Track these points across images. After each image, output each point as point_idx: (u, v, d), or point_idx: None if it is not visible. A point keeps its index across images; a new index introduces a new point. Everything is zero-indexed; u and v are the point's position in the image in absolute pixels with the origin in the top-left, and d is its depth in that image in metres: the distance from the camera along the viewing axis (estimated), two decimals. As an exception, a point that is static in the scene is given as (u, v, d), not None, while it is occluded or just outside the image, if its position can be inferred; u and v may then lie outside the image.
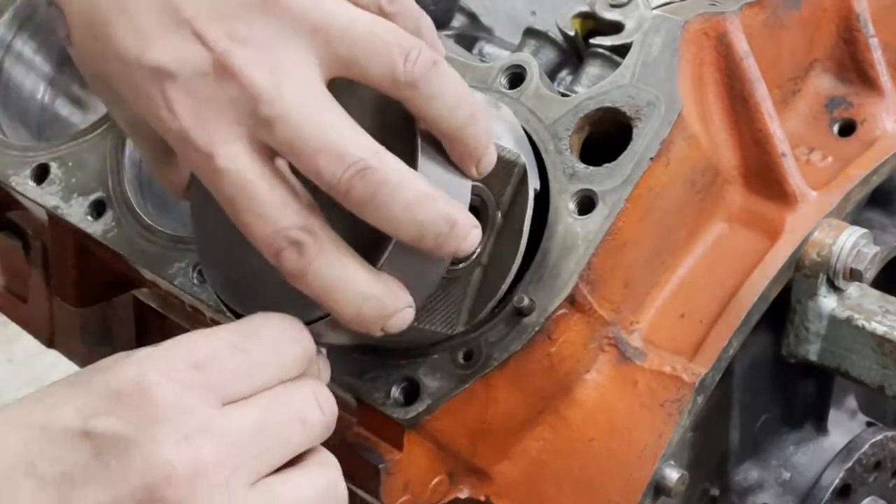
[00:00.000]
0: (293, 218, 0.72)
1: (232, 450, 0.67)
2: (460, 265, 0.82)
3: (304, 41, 0.73)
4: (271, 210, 0.72)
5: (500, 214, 0.82)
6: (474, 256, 0.82)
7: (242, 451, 0.68)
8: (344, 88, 0.74)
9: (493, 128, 0.79)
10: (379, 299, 0.74)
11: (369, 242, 0.74)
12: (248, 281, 0.79)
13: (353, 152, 0.71)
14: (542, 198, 0.85)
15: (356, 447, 0.86)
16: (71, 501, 0.65)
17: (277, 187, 0.73)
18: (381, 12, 0.76)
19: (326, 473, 0.72)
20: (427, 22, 0.80)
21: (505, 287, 0.83)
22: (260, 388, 0.70)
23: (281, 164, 0.74)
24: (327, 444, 0.82)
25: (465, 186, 0.78)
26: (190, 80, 0.72)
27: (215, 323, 0.96)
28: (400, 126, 0.75)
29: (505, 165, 0.81)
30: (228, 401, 0.69)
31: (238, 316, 0.78)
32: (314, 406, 0.72)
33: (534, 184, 0.83)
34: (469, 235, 0.75)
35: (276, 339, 0.72)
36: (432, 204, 0.73)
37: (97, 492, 0.65)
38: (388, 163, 0.72)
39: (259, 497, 0.68)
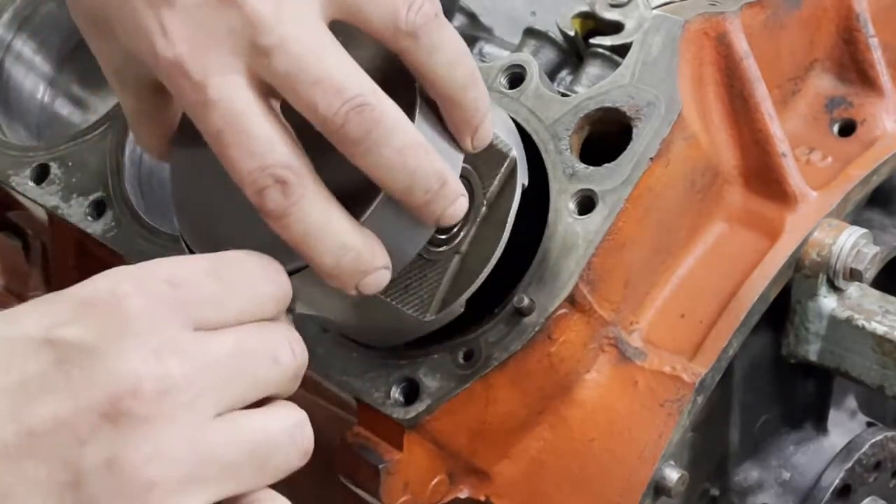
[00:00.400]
0: (281, 155, 0.70)
1: (201, 373, 0.63)
2: (440, 248, 0.80)
3: None
4: (259, 145, 0.70)
5: (485, 204, 0.81)
6: (455, 242, 0.81)
7: (212, 377, 0.64)
8: (342, 42, 0.73)
9: None
10: (358, 252, 0.72)
11: (353, 197, 0.73)
12: (225, 238, 0.76)
13: (352, 88, 0.70)
14: (542, 198, 0.85)
15: (356, 447, 0.86)
16: (27, 411, 0.61)
17: (267, 123, 0.71)
18: None
19: (293, 413, 0.68)
20: None
21: (480, 280, 0.81)
22: (233, 320, 0.67)
23: (273, 105, 0.73)
24: (327, 443, 0.82)
25: (458, 159, 0.77)
26: (189, 6, 0.71)
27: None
28: (398, 88, 0.74)
29: (495, 155, 0.80)
30: (200, 326, 0.65)
31: None
32: (287, 347, 0.68)
33: (522, 179, 0.82)
34: (457, 201, 0.74)
35: (254, 274, 0.69)
36: (426, 155, 0.72)
37: (56, 402, 0.61)
38: (385, 104, 0.71)
39: (224, 426, 0.64)
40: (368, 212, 0.73)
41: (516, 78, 0.90)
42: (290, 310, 0.73)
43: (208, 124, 0.71)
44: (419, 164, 0.72)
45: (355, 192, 0.73)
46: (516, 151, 0.81)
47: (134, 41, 0.74)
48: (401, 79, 0.74)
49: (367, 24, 0.72)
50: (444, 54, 0.73)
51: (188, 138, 0.79)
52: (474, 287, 0.81)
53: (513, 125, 0.84)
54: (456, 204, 0.74)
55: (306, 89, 0.70)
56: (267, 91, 0.72)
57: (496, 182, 0.81)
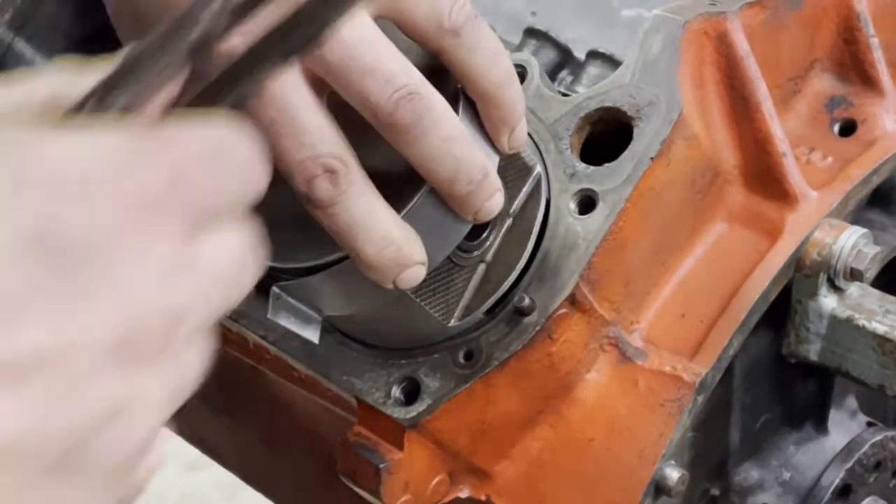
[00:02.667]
0: (331, 146, 0.72)
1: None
2: (468, 254, 0.82)
3: None
4: (311, 135, 0.72)
5: (510, 216, 0.83)
6: (482, 250, 0.82)
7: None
8: None
9: None
10: (399, 246, 0.74)
11: (393, 191, 0.74)
12: (265, 232, 0.77)
13: (402, 77, 0.72)
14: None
15: (356, 447, 0.86)
16: None
17: (320, 115, 0.73)
18: None
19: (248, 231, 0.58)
20: None
21: (504, 289, 0.83)
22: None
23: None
24: (327, 443, 0.82)
25: (494, 161, 0.78)
26: None
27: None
28: (437, 87, 0.75)
29: (521, 168, 0.82)
30: None
31: None
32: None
33: (546, 194, 0.84)
34: (495, 195, 0.76)
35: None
36: (470, 146, 0.74)
37: None
38: (434, 94, 0.73)
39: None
40: (410, 205, 0.75)
41: (517, 78, 0.90)
42: (319, 312, 0.76)
43: (261, 115, 0.72)
44: (464, 153, 0.74)
45: (395, 186, 0.74)
46: (539, 166, 0.83)
47: None
48: (437, 79, 0.75)
49: (411, 21, 0.74)
50: (484, 52, 0.75)
51: None
52: (496, 297, 0.83)
53: (530, 140, 0.85)
54: (494, 198, 0.76)
55: (358, 78, 0.72)
56: (318, 86, 0.73)
57: (522, 194, 0.83)
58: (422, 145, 0.73)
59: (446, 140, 0.73)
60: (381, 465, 0.85)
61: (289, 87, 0.72)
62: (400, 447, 0.85)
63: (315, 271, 0.77)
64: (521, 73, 0.90)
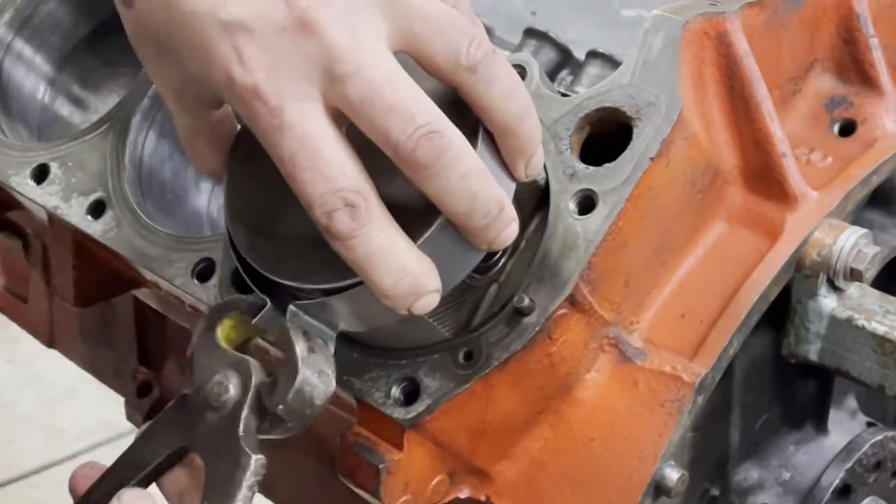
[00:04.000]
0: (351, 180, 0.74)
1: None
2: (481, 276, 0.84)
3: (380, 11, 0.75)
4: (331, 169, 0.74)
5: (524, 238, 0.84)
6: (494, 270, 0.84)
7: None
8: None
9: None
10: (416, 276, 0.76)
11: (410, 220, 0.76)
12: (279, 251, 0.80)
13: (423, 115, 0.74)
14: (543, 197, 0.85)
15: (356, 447, 0.86)
16: None
17: (340, 149, 0.74)
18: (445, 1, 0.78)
19: None
20: (480, 24, 0.82)
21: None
22: None
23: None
24: (327, 443, 0.82)
25: (511, 189, 0.79)
26: (267, 34, 0.74)
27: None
28: (454, 119, 0.76)
29: (535, 192, 0.84)
30: None
31: (263, 282, 0.80)
32: None
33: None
34: (510, 226, 0.78)
35: None
36: (488, 181, 0.76)
37: None
38: (453, 131, 0.75)
39: None
40: (426, 235, 0.76)
41: (517, 78, 0.90)
42: (333, 328, 0.78)
43: (282, 148, 0.74)
44: (481, 188, 0.75)
45: (412, 214, 0.76)
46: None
47: (204, 65, 0.76)
48: (456, 111, 0.77)
49: (428, 58, 0.76)
50: (501, 87, 0.77)
51: (244, 155, 0.83)
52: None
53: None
54: (509, 229, 0.78)
55: (380, 115, 0.73)
56: (339, 118, 0.75)
57: (535, 219, 0.85)
58: (440, 181, 0.74)
59: (464, 176, 0.75)
60: (381, 465, 0.85)
61: (310, 120, 0.74)
62: (400, 447, 0.85)
63: (331, 293, 0.78)
64: (521, 73, 0.90)
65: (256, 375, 0.79)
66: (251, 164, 0.82)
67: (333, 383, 0.79)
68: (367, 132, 0.74)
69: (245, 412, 0.78)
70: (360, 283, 0.76)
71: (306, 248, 0.78)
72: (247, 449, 0.77)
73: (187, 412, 0.80)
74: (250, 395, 0.78)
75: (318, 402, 0.78)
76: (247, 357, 0.80)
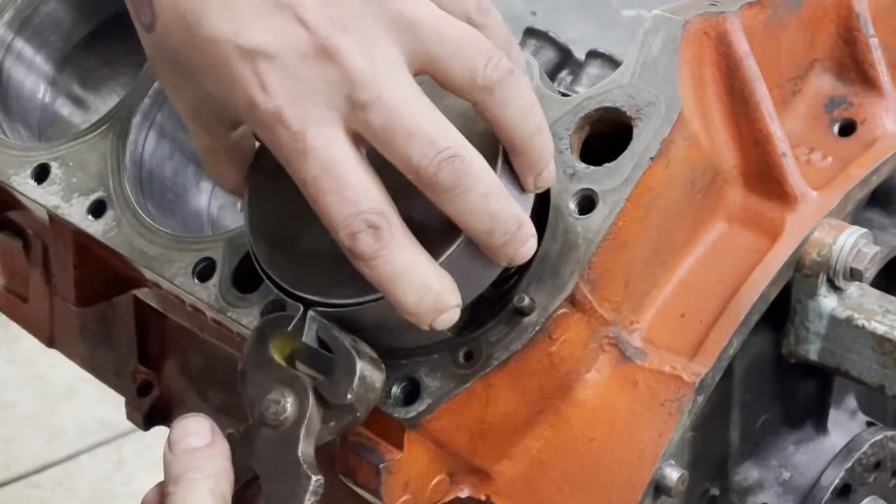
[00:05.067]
0: (374, 202, 0.76)
1: None
2: (499, 288, 0.85)
3: (396, 35, 0.76)
4: (354, 192, 0.75)
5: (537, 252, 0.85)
6: (510, 284, 0.85)
7: None
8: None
9: None
10: (438, 293, 0.77)
11: (432, 238, 0.78)
12: (301, 266, 0.82)
13: (444, 140, 0.75)
14: (543, 197, 0.85)
15: (357, 447, 0.86)
16: None
17: (362, 171, 0.76)
18: (470, 21, 0.80)
19: None
20: (513, 41, 0.84)
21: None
22: None
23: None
24: (327, 444, 0.83)
25: (529, 204, 0.81)
26: (288, 61, 0.75)
27: (216, 323, 0.96)
28: (474, 136, 0.78)
29: (548, 209, 0.85)
30: None
31: (289, 294, 0.82)
32: None
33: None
34: (528, 243, 0.79)
35: None
36: (507, 200, 0.78)
37: None
38: (473, 154, 0.76)
39: None
40: (447, 254, 0.78)
41: (517, 78, 0.90)
42: (356, 343, 0.80)
43: (305, 171, 0.76)
44: (501, 208, 0.77)
45: (433, 234, 0.78)
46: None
47: (224, 89, 0.78)
48: (477, 126, 0.79)
49: (446, 78, 0.77)
50: (516, 106, 0.78)
51: (264, 172, 0.85)
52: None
53: None
54: (527, 245, 0.79)
55: (402, 141, 0.75)
56: (358, 141, 0.76)
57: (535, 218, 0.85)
58: (461, 203, 0.76)
59: (484, 196, 0.76)
60: (382, 465, 0.85)
61: (332, 144, 0.75)
62: (400, 447, 0.85)
63: (353, 306, 0.80)
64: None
65: (312, 394, 0.81)
66: (271, 181, 0.84)
67: (383, 366, 0.82)
68: (389, 157, 0.76)
69: (302, 432, 0.80)
70: (379, 298, 0.79)
71: (327, 265, 0.80)
72: (307, 469, 0.79)
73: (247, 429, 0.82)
74: (308, 413, 0.80)
75: (378, 386, 0.81)
76: (301, 375, 0.81)
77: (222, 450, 0.80)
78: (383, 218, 0.75)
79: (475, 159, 0.76)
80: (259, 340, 0.83)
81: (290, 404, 0.80)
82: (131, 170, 1.05)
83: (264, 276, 0.84)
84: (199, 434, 0.80)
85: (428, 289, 0.77)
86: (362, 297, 0.79)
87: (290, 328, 0.82)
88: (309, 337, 0.81)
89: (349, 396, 0.80)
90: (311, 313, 0.81)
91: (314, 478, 0.79)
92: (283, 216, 0.83)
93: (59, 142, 1.08)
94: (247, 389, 0.82)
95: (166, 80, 0.84)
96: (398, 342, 0.85)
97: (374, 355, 0.82)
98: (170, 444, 0.80)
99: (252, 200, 0.86)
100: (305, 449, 0.79)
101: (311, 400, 0.80)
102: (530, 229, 0.79)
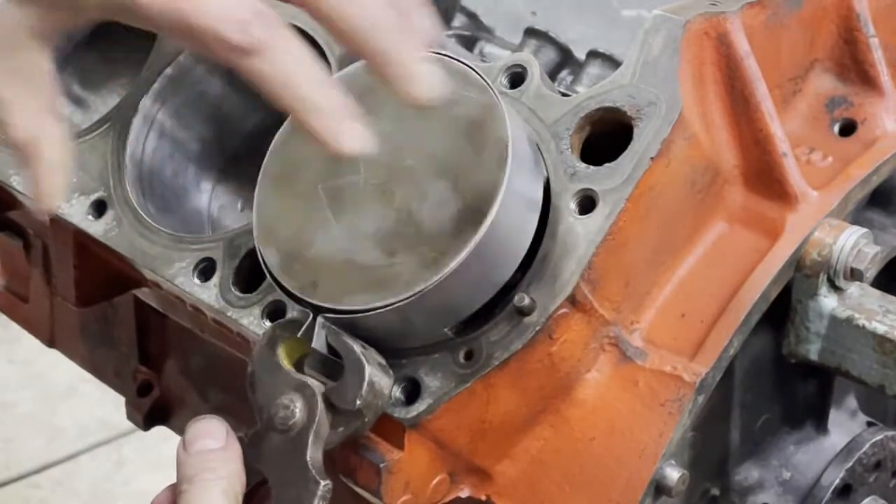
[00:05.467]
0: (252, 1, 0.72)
1: None
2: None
3: None
4: None
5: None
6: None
7: None
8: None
9: (514, 130, 0.82)
10: (337, 94, 0.73)
11: (442, 247, 0.79)
12: (313, 271, 0.83)
13: None
14: (543, 197, 0.85)
15: (357, 446, 0.86)
16: None
17: None
18: None
19: None
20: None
21: None
22: None
23: None
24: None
25: (534, 216, 0.83)
26: None
27: (217, 324, 0.96)
28: (481, 147, 0.80)
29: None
30: None
31: (299, 301, 0.82)
32: None
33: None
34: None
35: None
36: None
37: None
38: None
39: None
40: (459, 259, 0.79)
41: (517, 78, 0.90)
42: (365, 349, 0.81)
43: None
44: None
45: (443, 240, 0.80)
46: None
47: None
48: (492, 135, 0.81)
49: None
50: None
51: (273, 178, 0.86)
52: None
53: (529, 129, 0.86)
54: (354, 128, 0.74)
55: None
56: None
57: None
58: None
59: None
60: (382, 465, 0.85)
61: None
62: (400, 447, 0.85)
63: (362, 313, 0.81)
64: (521, 73, 0.90)
65: (321, 400, 0.81)
66: (280, 186, 0.85)
67: (391, 373, 0.82)
68: None
69: (311, 438, 0.80)
70: (388, 304, 0.79)
71: (338, 270, 0.81)
72: (315, 475, 0.79)
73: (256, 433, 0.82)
74: (317, 418, 0.81)
75: (386, 392, 0.82)
76: (310, 381, 0.82)
77: (236, 453, 0.80)
78: (267, 9, 0.71)
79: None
80: (268, 345, 0.83)
81: (299, 409, 0.80)
82: (132, 170, 1.05)
83: (274, 283, 0.84)
84: (214, 436, 0.80)
85: (331, 82, 0.73)
86: (373, 304, 0.80)
87: (299, 334, 0.82)
88: (318, 343, 0.82)
89: (358, 402, 0.80)
90: (320, 319, 0.82)
91: (322, 483, 0.79)
92: (293, 223, 0.84)
93: (59, 142, 1.08)
94: (256, 394, 0.82)
95: None
96: (403, 344, 0.85)
97: (383, 361, 0.82)
98: (184, 444, 0.80)
99: (261, 206, 0.86)
100: (314, 454, 0.80)
101: (320, 405, 0.80)
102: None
